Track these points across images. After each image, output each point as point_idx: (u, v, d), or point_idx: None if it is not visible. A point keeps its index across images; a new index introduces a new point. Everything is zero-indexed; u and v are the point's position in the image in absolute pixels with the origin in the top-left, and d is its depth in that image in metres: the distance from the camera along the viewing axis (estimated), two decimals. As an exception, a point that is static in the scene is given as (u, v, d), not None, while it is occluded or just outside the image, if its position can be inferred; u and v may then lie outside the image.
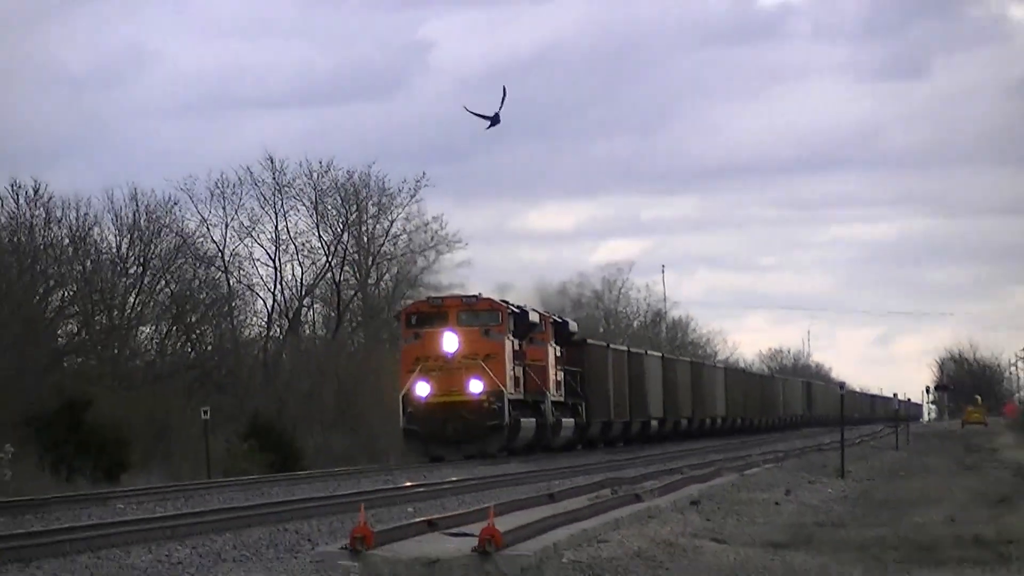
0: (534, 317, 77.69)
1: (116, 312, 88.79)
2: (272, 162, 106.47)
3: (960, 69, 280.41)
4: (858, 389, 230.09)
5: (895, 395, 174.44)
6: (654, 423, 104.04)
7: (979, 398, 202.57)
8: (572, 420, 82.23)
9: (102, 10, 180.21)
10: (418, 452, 70.73)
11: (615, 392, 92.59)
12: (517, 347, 73.43)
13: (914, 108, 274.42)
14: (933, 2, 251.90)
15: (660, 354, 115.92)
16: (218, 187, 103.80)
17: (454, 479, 53.68)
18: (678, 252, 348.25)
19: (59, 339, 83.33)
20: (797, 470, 66.72)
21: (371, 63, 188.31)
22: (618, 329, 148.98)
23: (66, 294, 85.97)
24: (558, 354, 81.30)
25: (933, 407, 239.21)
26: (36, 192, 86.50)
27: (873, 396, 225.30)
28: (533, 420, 74.52)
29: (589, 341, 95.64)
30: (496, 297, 79.34)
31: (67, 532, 31.94)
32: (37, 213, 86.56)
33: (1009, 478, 65.72)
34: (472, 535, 29.13)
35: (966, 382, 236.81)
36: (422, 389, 69.02)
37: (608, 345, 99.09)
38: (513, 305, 75.66)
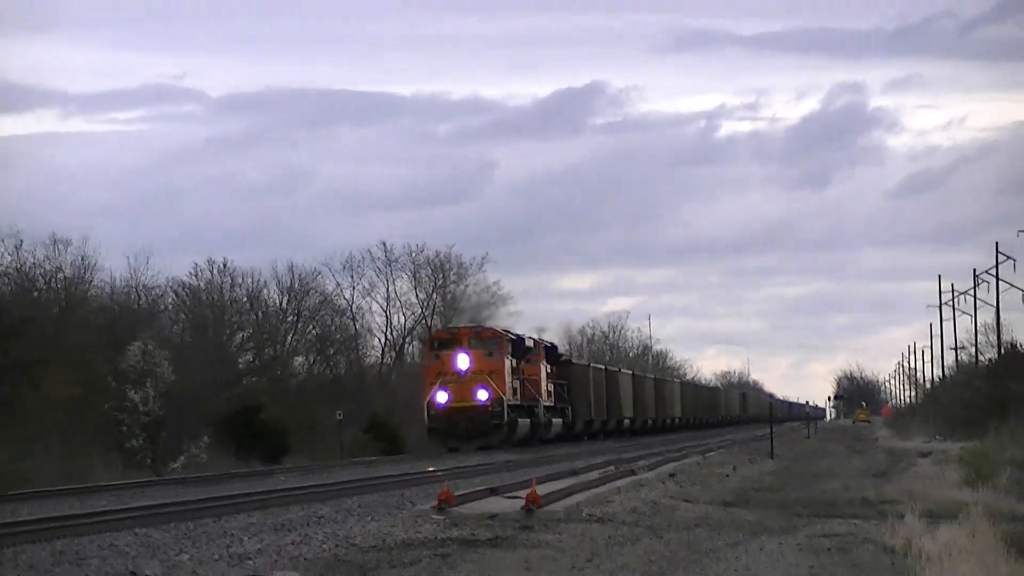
0: (529, 343, 73.88)
1: (278, 346, 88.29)
2: (385, 245, 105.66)
3: (850, 181, 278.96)
4: (781, 398, 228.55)
5: (807, 402, 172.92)
6: (626, 421, 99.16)
7: (864, 404, 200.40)
8: (560, 420, 78.25)
9: (276, 143, 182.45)
10: (437, 445, 65.65)
11: (595, 398, 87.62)
12: (515, 365, 69.16)
13: (819, 208, 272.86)
14: (832, 136, 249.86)
15: (631, 371, 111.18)
16: (348, 262, 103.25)
17: (504, 460, 52.34)
18: (660, 305, 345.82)
19: (239, 364, 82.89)
20: (740, 453, 65.64)
21: (453, 178, 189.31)
22: (619, 359, 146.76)
23: (244, 335, 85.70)
24: (549, 370, 77.02)
25: (833, 410, 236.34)
26: (224, 266, 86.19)
27: (791, 402, 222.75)
28: (528, 420, 70.19)
29: (574, 361, 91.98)
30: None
31: (244, 497, 31.82)
32: (225, 280, 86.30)
33: (885, 459, 64.80)
34: (520, 497, 28.81)
35: (855, 393, 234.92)
36: (441, 397, 64.66)
37: (590, 364, 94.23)
38: (511, 333, 72.01)
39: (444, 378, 64.85)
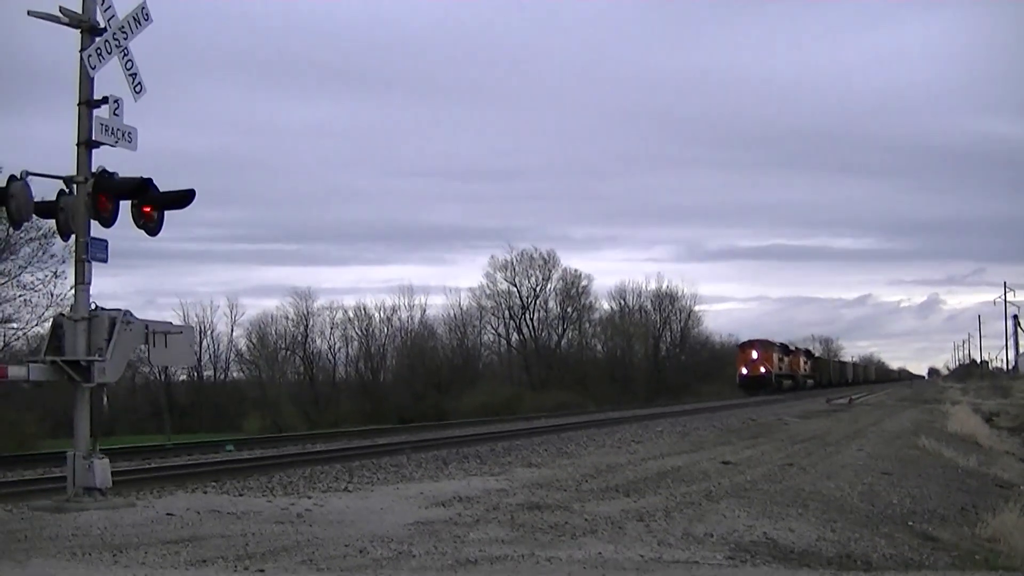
0: (791, 348, 67.53)
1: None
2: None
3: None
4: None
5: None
6: (846, 380, 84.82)
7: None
8: (812, 380, 69.79)
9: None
10: (745, 394, 55.57)
11: (830, 372, 79.85)
12: (781, 357, 62.23)
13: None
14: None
15: (850, 360, 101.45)
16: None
17: (774, 397, 48.93)
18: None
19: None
20: (900, 388, 65.09)
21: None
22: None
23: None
24: (806, 360, 70.26)
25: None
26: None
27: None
28: (791, 381, 63.12)
29: (819, 356, 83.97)
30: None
31: (700, 410, 32.37)
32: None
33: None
34: (846, 398, 35.24)
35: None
36: (744, 370, 59.10)
37: (826, 358, 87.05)
38: (779, 343, 63.79)
39: (746, 362, 59.63)
